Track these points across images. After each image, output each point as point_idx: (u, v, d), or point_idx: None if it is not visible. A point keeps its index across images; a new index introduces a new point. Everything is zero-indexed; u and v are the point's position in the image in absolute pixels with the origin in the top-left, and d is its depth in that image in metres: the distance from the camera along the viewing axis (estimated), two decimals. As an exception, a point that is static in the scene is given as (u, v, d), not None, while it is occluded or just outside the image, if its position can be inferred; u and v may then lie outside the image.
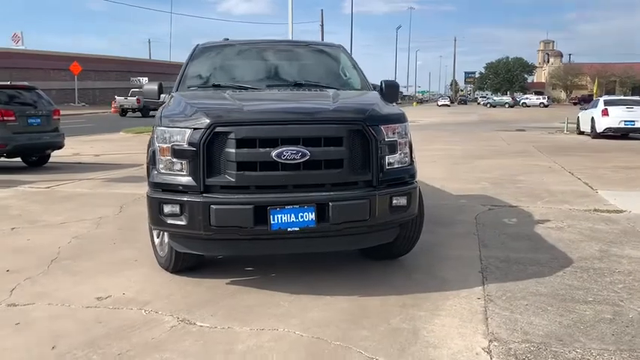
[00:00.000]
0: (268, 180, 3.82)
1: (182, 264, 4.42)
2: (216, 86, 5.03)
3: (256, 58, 5.60)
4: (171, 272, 4.46)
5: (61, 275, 4.46)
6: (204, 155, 3.79)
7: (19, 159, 11.57)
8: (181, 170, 3.87)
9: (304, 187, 3.86)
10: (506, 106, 75.21)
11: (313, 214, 3.79)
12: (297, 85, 5.06)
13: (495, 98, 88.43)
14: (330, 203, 3.79)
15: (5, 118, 10.42)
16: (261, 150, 3.76)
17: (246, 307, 3.81)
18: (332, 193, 3.86)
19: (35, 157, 11.77)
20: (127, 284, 4.24)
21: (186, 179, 3.85)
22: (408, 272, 4.54)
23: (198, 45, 5.70)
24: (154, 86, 5.16)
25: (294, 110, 4.12)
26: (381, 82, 5.49)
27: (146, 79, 43.42)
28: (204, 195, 3.80)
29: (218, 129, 3.79)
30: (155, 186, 3.97)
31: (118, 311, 3.74)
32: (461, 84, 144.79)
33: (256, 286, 4.21)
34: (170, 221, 3.88)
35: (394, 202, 4.06)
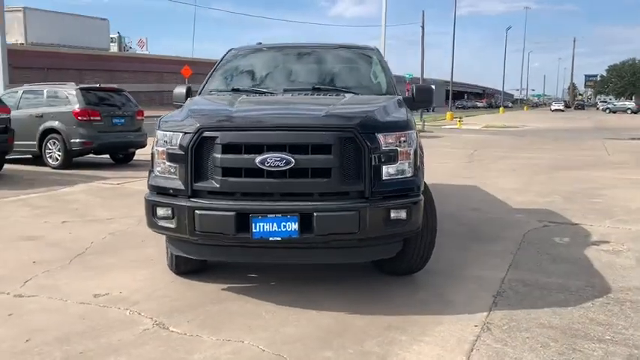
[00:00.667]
0: (252, 187, 3.73)
1: (184, 266, 4.45)
2: (235, 90, 5.03)
3: (283, 62, 5.53)
4: (176, 274, 4.51)
5: (77, 270, 4.67)
6: (192, 160, 3.78)
7: (107, 156, 12.45)
8: (173, 174, 3.89)
9: (291, 195, 3.72)
10: (629, 112, 69.09)
11: (296, 224, 3.64)
12: (315, 90, 4.92)
13: (616, 103, 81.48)
14: (315, 214, 3.62)
15: (92, 118, 11.24)
16: (246, 156, 3.68)
17: (227, 315, 3.74)
18: (317, 203, 3.68)
19: (121, 155, 12.59)
20: (129, 283, 4.34)
21: (176, 183, 3.86)
22: (415, 291, 4.24)
23: (231, 49, 5.74)
24: (183, 90, 5.26)
25: (283, 116, 4.00)
26: (412, 87, 5.21)
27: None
28: (191, 200, 3.79)
29: (206, 134, 3.76)
30: (151, 188, 4.03)
31: (105, 309, 3.83)
32: (580, 87, 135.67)
33: (250, 293, 4.14)
34: (162, 224, 3.92)
35: (391, 215, 3.80)
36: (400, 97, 5.03)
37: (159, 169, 3.99)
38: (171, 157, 3.88)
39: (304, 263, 4.41)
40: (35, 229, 6.04)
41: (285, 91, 4.93)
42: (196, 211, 3.71)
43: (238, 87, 5.09)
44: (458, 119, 33.10)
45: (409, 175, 3.93)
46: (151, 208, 3.95)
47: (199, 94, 5.11)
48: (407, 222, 3.85)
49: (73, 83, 12.38)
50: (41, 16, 41.43)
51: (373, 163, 3.74)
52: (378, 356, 3.18)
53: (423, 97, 5.22)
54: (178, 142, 3.84)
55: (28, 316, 3.72)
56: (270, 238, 3.66)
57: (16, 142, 10.42)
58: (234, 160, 3.71)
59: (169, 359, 3.14)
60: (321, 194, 3.71)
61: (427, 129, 25.83)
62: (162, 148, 3.95)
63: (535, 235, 5.91)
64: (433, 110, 49.30)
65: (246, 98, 4.62)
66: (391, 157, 3.83)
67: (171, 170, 3.89)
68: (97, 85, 13.44)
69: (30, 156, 11.85)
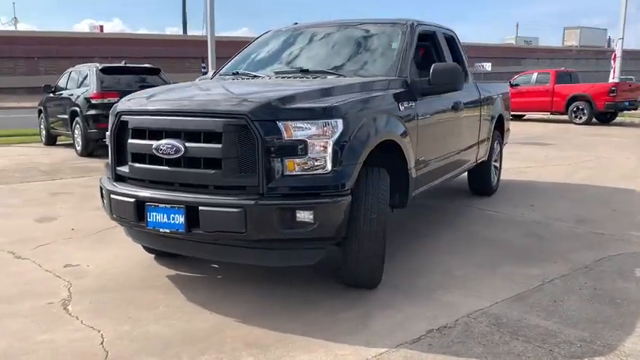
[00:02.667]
0: (152, 174, 3.59)
1: (150, 250, 4.48)
2: (235, 74, 4.87)
3: (298, 43, 5.12)
4: (155, 256, 4.58)
5: (88, 242, 5.07)
6: (114, 143, 3.81)
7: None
8: (109, 158, 3.96)
9: (188, 186, 3.47)
10: None
11: (183, 217, 3.38)
12: (303, 72, 4.46)
13: None
14: (200, 208, 3.31)
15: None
16: (147, 142, 3.56)
17: (125, 303, 3.67)
18: (204, 196, 3.37)
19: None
20: (107, 259, 4.57)
21: (109, 167, 3.93)
22: (344, 311, 3.56)
23: (267, 31, 5.56)
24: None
25: (185, 101, 3.70)
26: (432, 67, 4.38)
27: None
28: (113, 184, 3.82)
29: (123, 118, 3.74)
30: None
31: (54, 279, 4.11)
32: None
33: (188, 285, 4.01)
34: (103, 206, 4.03)
35: (296, 216, 3.27)
36: (406, 80, 4.29)
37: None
38: (108, 141, 3.97)
39: (215, 260, 4.14)
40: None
41: (277, 74, 4.59)
42: (111, 196, 3.73)
43: (237, 70, 4.93)
44: None
45: (325, 170, 3.32)
46: (100, 192, 4.08)
47: (211, 78, 5.09)
48: (315, 225, 3.27)
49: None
50: None
51: (271, 155, 3.26)
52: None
53: (440, 79, 4.35)
54: (109, 126, 3.91)
55: (-7, 276, 4.22)
56: (161, 230, 3.48)
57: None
58: (139, 145, 3.62)
59: (24, 333, 3.24)
60: (217, 187, 3.38)
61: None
62: (108, 132, 4.05)
63: (613, 264, 4.45)
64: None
65: (222, 82, 4.45)
66: (298, 150, 3.28)
67: (109, 154, 3.97)
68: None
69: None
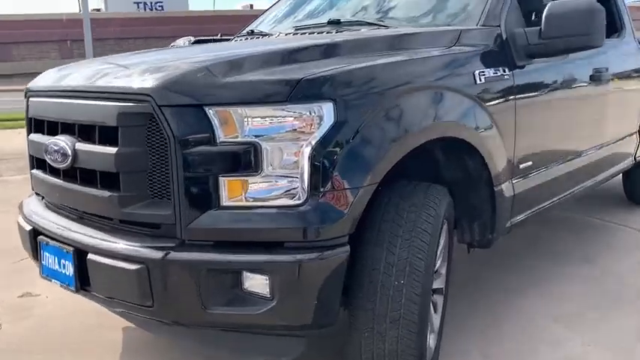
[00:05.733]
0: (47, 190, 2.29)
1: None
2: (250, 32, 3.40)
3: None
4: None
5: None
6: (28, 138, 2.54)
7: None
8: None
9: (90, 215, 2.11)
10: None
11: (72, 266, 2.03)
12: (332, 24, 2.85)
13: None
14: (89, 256, 1.94)
15: None
16: (41, 139, 2.24)
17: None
18: (100, 235, 1.98)
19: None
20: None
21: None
22: None
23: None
24: None
25: (97, 76, 2.21)
26: (547, 7, 2.57)
27: None
28: (29, 198, 2.59)
29: (31, 100, 2.45)
30: None
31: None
32: None
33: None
34: None
35: (237, 282, 1.78)
36: (496, 31, 2.55)
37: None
38: None
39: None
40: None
41: (296, 29, 3.02)
42: (19, 217, 2.50)
43: (254, 28, 3.45)
44: None
45: (296, 199, 1.76)
46: None
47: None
48: (273, 303, 1.75)
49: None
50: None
51: (195, 170, 1.77)
52: None
53: (561, 28, 2.53)
54: None
55: None
56: (52, 281, 2.17)
57: None
58: (35, 144, 2.32)
59: None
60: (122, 221, 1.97)
61: None
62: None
63: None
64: None
65: (217, 46, 3.01)
66: (247, 160, 1.75)
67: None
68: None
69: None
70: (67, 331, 2.86)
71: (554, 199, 3.02)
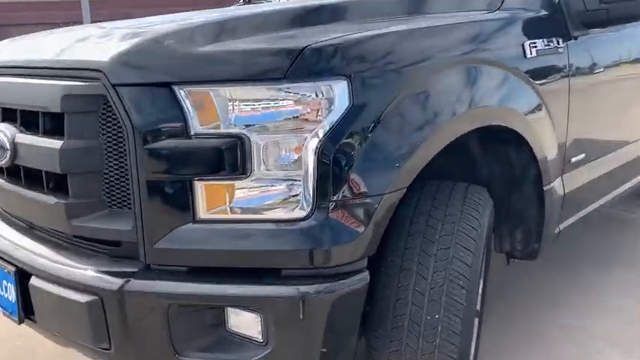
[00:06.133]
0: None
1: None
2: (247, 2, 2.93)
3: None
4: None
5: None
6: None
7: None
8: None
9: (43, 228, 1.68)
10: None
11: (14, 292, 1.60)
12: None
13: None
14: (32, 280, 1.51)
15: None
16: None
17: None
18: (48, 254, 1.54)
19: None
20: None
21: None
22: None
23: None
24: None
25: (46, 49, 1.74)
26: None
27: None
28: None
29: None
30: None
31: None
32: None
33: None
34: None
35: (220, 321, 1.35)
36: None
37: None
38: None
39: None
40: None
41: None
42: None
43: (252, -4, 2.97)
44: None
45: (297, 213, 1.30)
46: None
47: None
48: (267, 352, 1.31)
49: None
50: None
51: (164, 172, 1.31)
52: None
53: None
54: None
55: None
56: (-4, 308, 1.74)
57: None
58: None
59: None
60: (75, 236, 1.53)
61: None
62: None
63: None
64: None
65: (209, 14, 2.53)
66: (231, 158, 1.29)
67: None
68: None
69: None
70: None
71: (607, 197, 2.55)
